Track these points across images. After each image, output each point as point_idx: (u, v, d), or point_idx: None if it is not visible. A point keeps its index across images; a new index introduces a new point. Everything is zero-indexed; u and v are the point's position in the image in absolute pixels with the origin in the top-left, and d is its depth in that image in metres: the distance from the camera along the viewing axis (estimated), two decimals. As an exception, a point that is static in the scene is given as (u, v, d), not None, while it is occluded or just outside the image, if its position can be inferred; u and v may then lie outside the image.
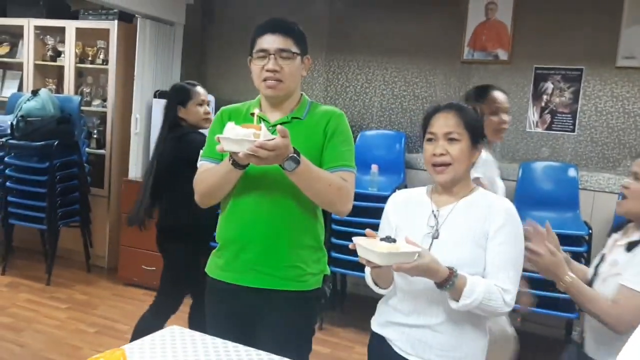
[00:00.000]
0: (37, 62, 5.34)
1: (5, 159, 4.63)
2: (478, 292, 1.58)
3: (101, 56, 5.16)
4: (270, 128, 1.86)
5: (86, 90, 5.34)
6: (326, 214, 2.05)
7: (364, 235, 1.59)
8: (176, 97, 2.98)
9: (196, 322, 2.95)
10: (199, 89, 2.98)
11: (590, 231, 3.58)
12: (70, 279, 4.78)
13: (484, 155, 2.22)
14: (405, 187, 3.98)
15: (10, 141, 4.59)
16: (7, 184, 4.63)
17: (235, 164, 1.75)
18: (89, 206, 4.92)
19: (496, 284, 1.63)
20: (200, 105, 2.96)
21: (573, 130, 4.11)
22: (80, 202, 4.82)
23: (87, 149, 5.00)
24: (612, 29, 3.95)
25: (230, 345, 1.72)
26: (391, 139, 4.52)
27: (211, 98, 4.82)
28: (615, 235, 1.95)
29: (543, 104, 4.18)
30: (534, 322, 4.18)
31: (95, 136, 5.24)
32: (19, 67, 5.53)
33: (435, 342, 1.69)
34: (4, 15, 5.48)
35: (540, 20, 4.16)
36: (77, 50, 5.16)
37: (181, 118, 2.96)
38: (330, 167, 1.88)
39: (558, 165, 4.10)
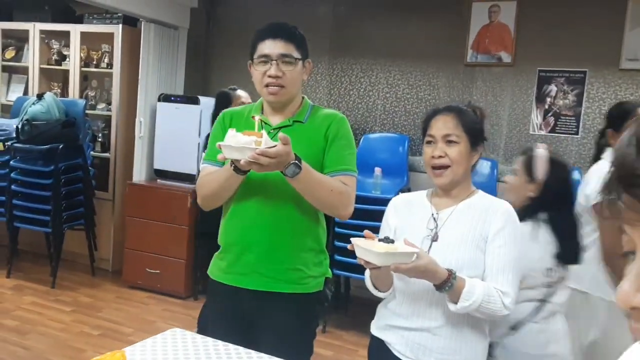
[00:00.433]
0: (43, 66, 5.37)
1: (11, 162, 4.65)
2: (477, 294, 1.58)
3: (106, 60, 5.19)
4: (272, 131, 1.87)
5: (91, 94, 5.37)
6: (329, 217, 2.06)
7: (364, 237, 1.60)
8: (219, 103, 3.03)
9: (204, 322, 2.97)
10: (239, 93, 3.00)
11: (594, 234, 3.56)
12: (74, 282, 4.80)
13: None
14: (409, 190, 3.98)
15: (16, 145, 4.61)
16: (13, 187, 4.65)
17: (237, 169, 1.76)
18: (93, 209, 4.94)
19: (495, 286, 1.63)
20: None
21: (577, 133, 4.11)
22: (84, 205, 4.84)
23: (91, 153, 5.03)
24: (616, 31, 3.95)
25: (232, 347, 1.72)
26: (394, 142, 4.52)
27: (214, 102, 4.85)
28: None
29: (546, 107, 4.17)
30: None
31: (99, 139, 5.27)
32: (24, 71, 5.57)
33: (435, 345, 1.68)
34: (10, 20, 5.52)
35: (544, 23, 4.16)
36: (82, 54, 5.19)
37: None
38: (331, 171, 1.89)
39: (562, 167, 4.09)
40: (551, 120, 4.17)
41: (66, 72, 5.30)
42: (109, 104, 5.19)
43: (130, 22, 5.00)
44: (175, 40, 5.16)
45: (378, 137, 4.61)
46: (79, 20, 5.26)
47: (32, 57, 5.36)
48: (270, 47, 1.87)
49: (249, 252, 1.91)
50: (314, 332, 2.04)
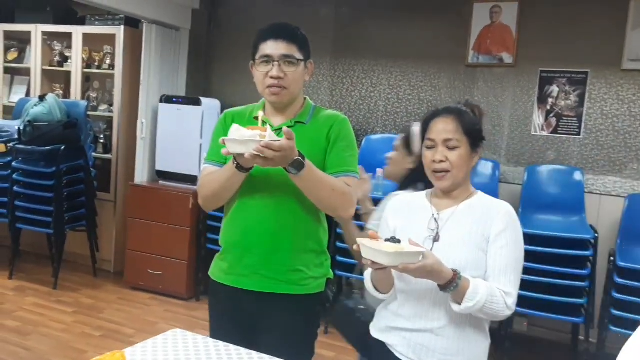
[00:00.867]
0: (45, 67, 5.38)
1: (13, 163, 4.67)
2: (481, 294, 1.57)
3: (108, 61, 5.20)
4: (274, 132, 1.87)
5: (93, 95, 5.38)
6: (331, 218, 2.05)
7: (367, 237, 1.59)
8: None
9: None
10: None
11: (596, 235, 3.56)
12: (76, 283, 4.81)
13: None
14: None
15: (18, 146, 4.62)
16: (15, 188, 4.66)
17: (239, 167, 1.75)
18: (95, 210, 4.95)
19: (498, 287, 1.62)
20: None
21: (579, 134, 4.10)
22: (86, 207, 4.84)
23: (93, 154, 5.03)
24: (618, 32, 3.94)
25: (232, 348, 1.72)
26: (396, 143, 4.51)
27: (216, 103, 4.86)
28: None
29: (548, 108, 4.17)
30: (541, 326, 4.17)
31: (101, 141, 5.27)
32: (26, 72, 5.58)
33: (438, 346, 1.68)
34: (12, 21, 5.53)
35: (545, 23, 4.15)
36: (84, 56, 5.20)
37: None
38: (333, 173, 1.88)
39: (564, 168, 4.09)
40: (553, 121, 4.16)
41: (68, 73, 5.31)
42: (111, 105, 5.20)
43: (132, 23, 5.01)
44: (177, 42, 5.17)
45: (380, 138, 4.61)
46: (80, 21, 5.27)
47: (34, 59, 5.37)
48: (272, 47, 1.87)
49: (250, 253, 1.91)
50: (316, 333, 2.04)
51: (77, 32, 5.14)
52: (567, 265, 3.49)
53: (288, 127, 1.90)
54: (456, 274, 1.57)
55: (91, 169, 4.85)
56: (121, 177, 5.09)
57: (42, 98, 4.67)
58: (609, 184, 4.01)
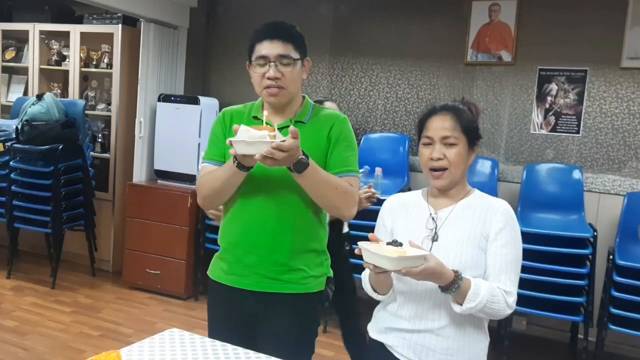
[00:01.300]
0: (42, 66, 5.37)
1: (11, 163, 4.66)
2: (482, 295, 1.57)
3: (105, 60, 5.19)
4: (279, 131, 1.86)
5: (91, 94, 5.37)
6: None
7: (367, 239, 1.57)
8: None
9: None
10: (327, 104, 2.98)
11: (595, 233, 3.56)
12: (75, 283, 4.80)
13: None
14: (409, 189, 3.97)
15: (16, 145, 4.61)
16: (13, 187, 4.65)
17: (240, 166, 1.73)
18: (93, 210, 4.94)
19: (498, 286, 1.62)
20: None
21: (578, 132, 4.09)
22: (84, 206, 4.83)
23: (91, 153, 5.02)
24: (617, 30, 3.93)
25: (229, 347, 1.71)
26: (395, 142, 4.51)
27: (215, 102, 4.85)
28: None
29: (547, 106, 4.16)
30: (540, 325, 4.17)
31: (99, 140, 5.26)
32: (24, 71, 5.57)
33: (439, 346, 1.67)
34: (10, 20, 5.53)
35: (544, 22, 4.14)
36: (81, 55, 5.19)
37: None
38: (335, 173, 1.87)
39: (563, 167, 4.08)
40: (552, 119, 4.15)
41: (66, 72, 5.30)
42: (109, 104, 5.19)
43: (130, 22, 5.00)
44: (175, 40, 5.16)
45: (378, 137, 4.61)
46: (78, 20, 5.26)
47: (32, 58, 5.36)
48: (268, 48, 1.85)
49: (250, 253, 1.89)
50: (316, 331, 2.03)
51: (75, 31, 5.13)
52: (566, 263, 3.48)
53: (287, 126, 1.89)
54: (457, 275, 1.56)
55: (89, 168, 4.84)
56: (119, 176, 5.08)
57: (39, 97, 4.66)
58: (607, 182, 4.01)
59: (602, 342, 3.53)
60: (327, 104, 2.98)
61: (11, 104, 5.32)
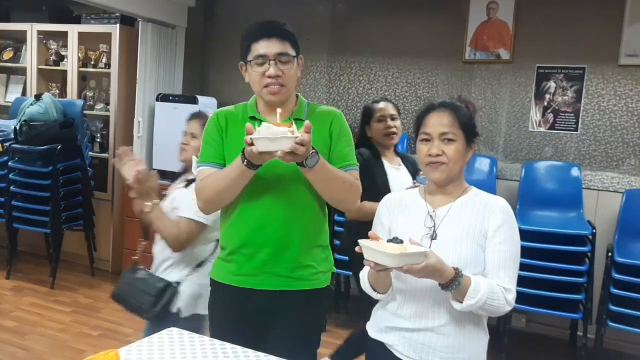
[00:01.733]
0: (41, 66, 5.36)
1: (9, 163, 4.65)
2: (482, 292, 1.57)
3: (104, 60, 5.19)
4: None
5: (89, 94, 5.37)
6: (328, 215, 2.05)
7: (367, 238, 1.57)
8: (363, 117, 3.04)
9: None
10: (381, 105, 2.99)
11: (593, 230, 3.56)
12: (74, 283, 4.80)
13: None
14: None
15: (14, 145, 4.61)
16: (11, 188, 4.65)
17: (250, 164, 1.72)
18: (92, 210, 4.94)
19: (498, 283, 1.62)
20: (380, 121, 2.95)
21: (576, 130, 4.10)
22: (83, 206, 4.83)
23: (90, 153, 5.02)
24: (615, 27, 3.94)
25: (229, 346, 1.72)
26: (393, 140, 4.50)
27: (213, 101, 4.84)
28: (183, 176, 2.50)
29: (545, 103, 4.16)
30: (539, 322, 4.17)
31: (98, 140, 5.26)
32: (22, 71, 5.57)
33: (439, 344, 1.67)
34: (8, 21, 5.52)
35: (542, 19, 4.15)
36: (79, 55, 5.19)
37: (369, 137, 2.98)
38: (339, 167, 1.89)
39: (561, 164, 4.09)
40: (550, 116, 4.16)
41: (64, 72, 5.29)
42: (107, 104, 5.19)
43: (128, 21, 4.99)
44: (173, 40, 5.15)
45: (377, 135, 4.60)
46: (76, 20, 5.25)
47: (30, 58, 5.36)
48: (265, 47, 1.85)
49: (260, 252, 1.89)
50: (324, 325, 2.05)
51: (73, 30, 5.13)
52: (565, 261, 3.49)
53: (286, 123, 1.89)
54: (457, 273, 1.56)
55: (88, 168, 4.84)
56: (118, 176, 5.07)
57: (38, 97, 4.65)
58: (606, 180, 4.01)
59: (601, 339, 3.54)
60: (380, 105, 3.01)
61: (9, 104, 5.32)
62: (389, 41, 4.62)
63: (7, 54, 5.65)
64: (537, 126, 4.20)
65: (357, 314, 4.20)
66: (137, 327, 3.07)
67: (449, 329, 1.67)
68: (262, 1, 4.98)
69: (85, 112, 4.97)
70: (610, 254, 3.50)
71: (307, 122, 1.66)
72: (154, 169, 4.81)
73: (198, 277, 2.29)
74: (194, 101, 4.67)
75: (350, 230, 2.94)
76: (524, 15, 4.19)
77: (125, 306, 2.39)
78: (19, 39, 5.57)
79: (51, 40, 5.36)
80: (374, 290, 1.76)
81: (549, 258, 3.48)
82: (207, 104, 4.73)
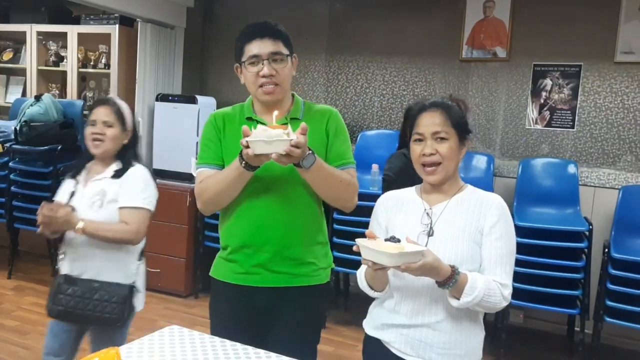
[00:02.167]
0: (40, 67, 5.38)
1: (10, 163, 4.67)
2: (479, 289, 1.59)
3: (103, 60, 5.20)
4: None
5: (89, 94, 5.38)
6: (327, 213, 2.08)
7: (364, 236, 1.59)
8: (405, 118, 3.07)
9: None
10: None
11: (590, 227, 3.58)
12: (75, 282, 4.81)
13: None
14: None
15: (14, 146, 4.63)
16: (12, 188, 4.67)
17: (248, 165, 1.74)
18: (93, 209, 4.95)
19: (494, 279, 1.64)
20: None
21: (572, 127, 4.12)
22: (84, 206, 4.84)
23: (90, 153, 5.03)
24: (611, 24, 3.95)
25: (229, 344, 1.74)
26: (391, 139, 4.51)
27: (212, 101, 4.86)
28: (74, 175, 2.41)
29: (542, 101, 4.19)
30: (536, 318, 4.20)
31: (98, 140, 5.27)
32: (22, 72, 5.58)
33: (436, 340, 1.69)
34: (7, 22, 5.52)
35: (538, 17, 4.16)
36: (79, 55, 5.20)
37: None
38: (336, 166, 1.92)
39: (558, 161, 4.11)
40: (547, 114, 4.18)
41: (64, 73, 5.31)
42: (107, 104, 5.19)
43: (127, 22, 5.01)
44: (172, 40, 5.17)
45: (375, 134, 4.63)
46: (75, 21, 5.27)
47: (30, 59, 5.37)
48: (259, 47, 1.87)
49: (262, 251, 1.91)
50: (324, 321, 2.08)
51: (72, 31, 5.14)
52: (562, 257, 3.51)
53: (283, 124, 1.91)
54: (454, 270, 1.58)
55: (88, 168, 4.85)
56: (118, 175, 5.09)
57: (38, 98, 4.67)
58: (602, 176, 4.04)
59: (599, 335, 3.56)
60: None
61: (9, 105, 5.33)
62: (386, 40, 4.64)
63: (7, 55, 5.67)
64: (534, 124, 4.22)
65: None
66: (138, 326, 3.09)
67: (445, 326, 1.69)
68: (261, 1, 5.00)
69: (85, 112, 4.99)
70: (606, 250, 3.52)
71: (302, 124, 1.68)
72: (154, 168, 4.84)
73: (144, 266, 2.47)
74: (193, 101, 4.69)
75: None
76: (520, 13, 4.21)
77: (78, 321, 2.39)
78: (19, 40, 5.59)
79: (51, 41, 5.37)
80: (371, 288, 1.78)
81: (546, 254, 3.50)
82: (206, 103, 4.75)
